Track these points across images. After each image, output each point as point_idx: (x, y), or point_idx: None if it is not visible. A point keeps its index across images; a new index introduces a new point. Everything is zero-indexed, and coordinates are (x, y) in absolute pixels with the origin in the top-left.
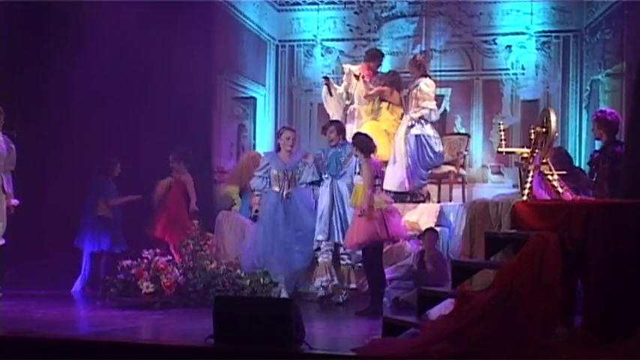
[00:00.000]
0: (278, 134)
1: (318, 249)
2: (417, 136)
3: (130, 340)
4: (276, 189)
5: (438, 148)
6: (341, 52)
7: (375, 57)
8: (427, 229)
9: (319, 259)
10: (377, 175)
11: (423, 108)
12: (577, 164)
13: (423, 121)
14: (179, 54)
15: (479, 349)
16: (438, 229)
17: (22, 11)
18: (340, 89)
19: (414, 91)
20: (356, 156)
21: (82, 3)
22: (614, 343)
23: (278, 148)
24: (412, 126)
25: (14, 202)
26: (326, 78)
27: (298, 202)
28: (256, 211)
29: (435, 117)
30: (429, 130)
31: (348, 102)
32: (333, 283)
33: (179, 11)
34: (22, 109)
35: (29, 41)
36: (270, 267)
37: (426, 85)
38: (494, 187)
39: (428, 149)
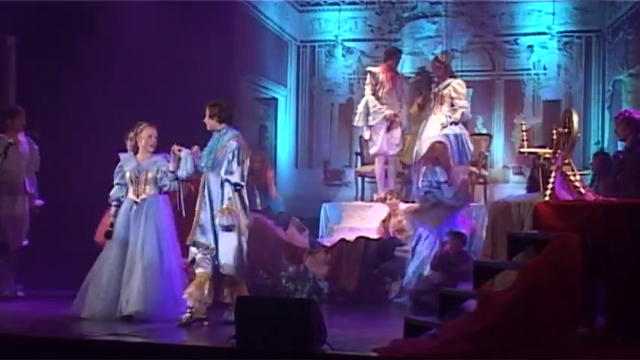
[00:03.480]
0: (136, 132)
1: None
2: (456, 135)
3: (152, 341)
4: (131, 196)
5: (472, 147)
6: (362, 52)
7: (391, 55)
8: (451, 232)
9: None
10: None
11: (461, 107)
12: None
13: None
14: (200, 54)
15: (500, 349)
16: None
17: (43, 10)
18: (368, 96)
19: (446, 91)
20: None
21: (103, 3)
22: (636, 343)
23: (135, 149)
24: (445, 126)
25: (38, 202)
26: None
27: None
28: (111, 225)
29: (469, 116)
30: (464, 129)
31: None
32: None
33: (200, 12)
34: (44, 110)
35: (50, 41)
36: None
37: (460, 86)
38: (516, 188)
39: (467, 149)
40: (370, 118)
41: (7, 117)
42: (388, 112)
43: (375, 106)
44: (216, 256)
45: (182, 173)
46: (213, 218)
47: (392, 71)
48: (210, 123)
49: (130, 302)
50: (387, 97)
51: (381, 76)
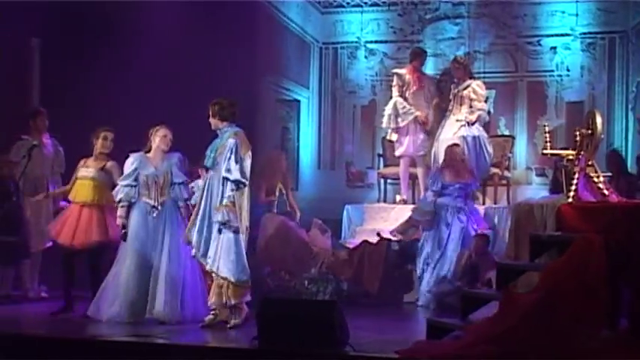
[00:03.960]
0: (152, 132)
1: None
2: (474, 137)
3: (175, 342)
4: (146, 199)
5: (490, 149)
6: (384, 54)
7: (416, 55)
8: (476, 234)
9: None
10: None
11: (479, 109)
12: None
13: (477, 123)
14: (223, 56)
15: (523, 351)
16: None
17: (66, 13)
18: (396, 98)
19: (465, 92)
20: None
21: (126, 4)
22: None
23: (149, 149)
24: (463, 125)
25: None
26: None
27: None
28: (123, 226)
29: (487, 119)
30: (483, 131)
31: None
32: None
33: (223, 13)
34: (67, 111)
35: (73, 42)
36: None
37: (479, 87)
38: (539, 189)
39: (485, 151)
40: (399, 119)
41: (29, 118)
42: (418, 113)
43: (404, 107)
44: (204, 256)
45: (194, 200)
46: (209, 217)
47: (418, 72)
48: (213, 122)
49: (157, 306)
50: (414, 98)
51: (407, 77)
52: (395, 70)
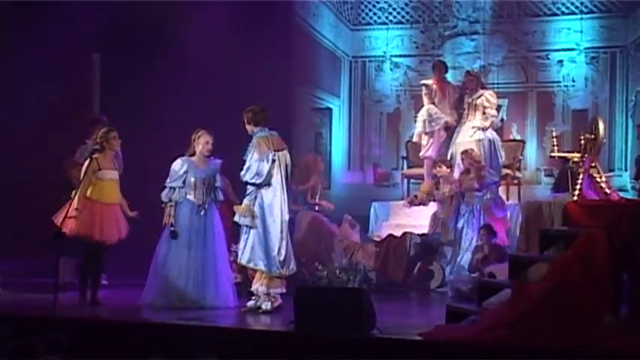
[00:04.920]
0: (194, 138)
1: None
2: (490, 140)
3: (217, 325)
4: (192, 198)
5: (503, 153)
6: (408, 66)
7: (435, 67)
8: (482, 226)
9: None
10: None
11: (492, 116)
12: (623, 167)
13: (490, 128)
14: (263, 69)
15: (534, 335)
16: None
17: (125, 30)
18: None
19: (479, 100)
20: None
21: (174, 23)
22: None
23: (192, 153)
24: (479, 129)
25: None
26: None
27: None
28: (172, 225)
29: (499, 124)
30: (496, 135)
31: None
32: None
33: (264, 32)
34: (124, 120)
35: (130, 57)
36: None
37: (491, 96)
38: (547, 189)
39: (498, 153)
40: (433, 124)
41: (91, 124)
42: (447, 118)
43: (435, 113)
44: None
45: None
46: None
47: (441, 82)
48: (249, 128)
49: (206, 293)
50: (439, 106)
51: (434, 87)
52: (423, 82)
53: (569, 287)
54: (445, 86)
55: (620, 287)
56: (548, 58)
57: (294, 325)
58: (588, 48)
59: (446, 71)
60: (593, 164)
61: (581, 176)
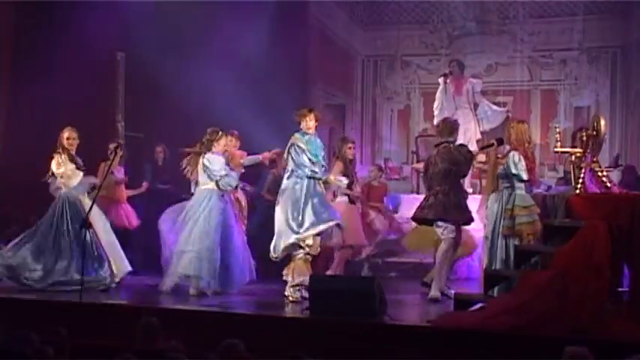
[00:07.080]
0: (215, 138)
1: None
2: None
3: (237, 311)
4: (216, 188)
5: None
6: (418, 65)
7: (448, 64)
8: None
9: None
10: None
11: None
12: (623, 162)
13: None
14: (281, 67)
15: (538, 322)
16: None
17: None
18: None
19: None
20: None
21: (193, 24)
22: None
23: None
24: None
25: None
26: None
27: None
28: None
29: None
30: None
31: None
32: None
33: (282, 31)
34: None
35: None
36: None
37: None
38: (551, 182)
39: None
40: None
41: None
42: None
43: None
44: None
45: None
46: None
47: (456, 80)
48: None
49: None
50: (457, 102)
51: (449, 85)
52: (441, 79)
53: (572, 276)
54: (460, 83)
55: (620, 276)
56: (551, 58)
57: (310, 311)
58: (590, 47)
59: (459, 69)
60: (594, 159)
61: (583, 170)
